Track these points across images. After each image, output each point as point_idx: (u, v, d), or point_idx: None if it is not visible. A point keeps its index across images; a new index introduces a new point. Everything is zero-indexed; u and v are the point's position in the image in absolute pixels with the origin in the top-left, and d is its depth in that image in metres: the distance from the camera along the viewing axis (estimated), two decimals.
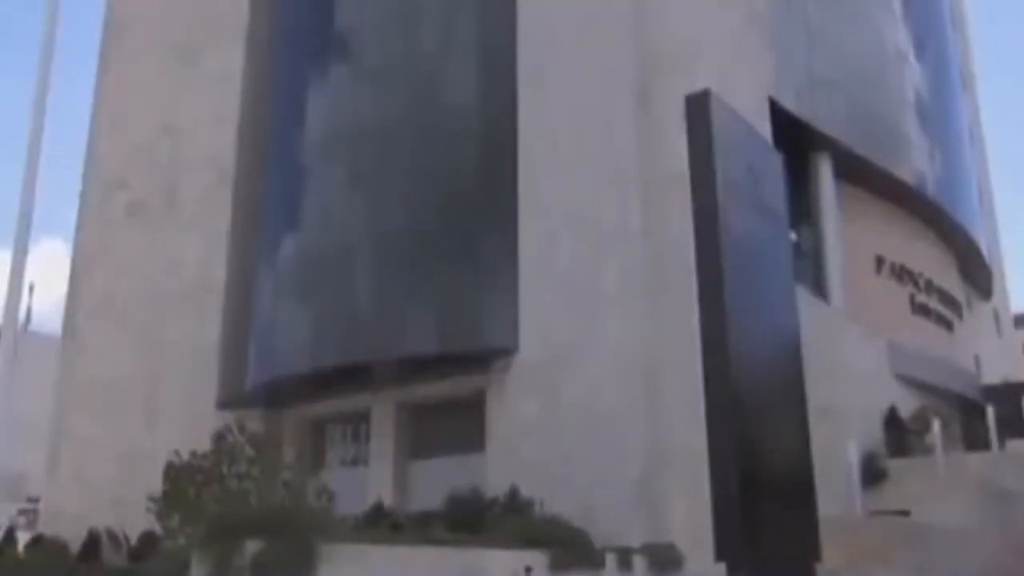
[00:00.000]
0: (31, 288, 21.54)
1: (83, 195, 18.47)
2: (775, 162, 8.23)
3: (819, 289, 15.36)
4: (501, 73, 13.67)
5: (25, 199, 11.41)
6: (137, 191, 17.65)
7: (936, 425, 13.76)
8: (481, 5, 14.16)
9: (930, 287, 18.05)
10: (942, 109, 20.26)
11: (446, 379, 13.61)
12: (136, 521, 9.71)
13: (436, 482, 12.14)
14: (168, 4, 18.18)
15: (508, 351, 12.78)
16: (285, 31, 16.56)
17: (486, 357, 13.03)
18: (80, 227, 18.48)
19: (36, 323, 24.27)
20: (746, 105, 12.62)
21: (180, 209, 17.21)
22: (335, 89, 15.35)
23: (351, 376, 13.98)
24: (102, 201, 18.03)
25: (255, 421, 13.03)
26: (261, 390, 14.84)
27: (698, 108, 6.74)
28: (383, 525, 9.48)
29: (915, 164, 18.21)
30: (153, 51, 18.05)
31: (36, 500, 20.03)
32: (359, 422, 14.89)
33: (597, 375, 11.84)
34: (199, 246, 16.81)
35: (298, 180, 15.70)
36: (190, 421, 13.57)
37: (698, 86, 11.40)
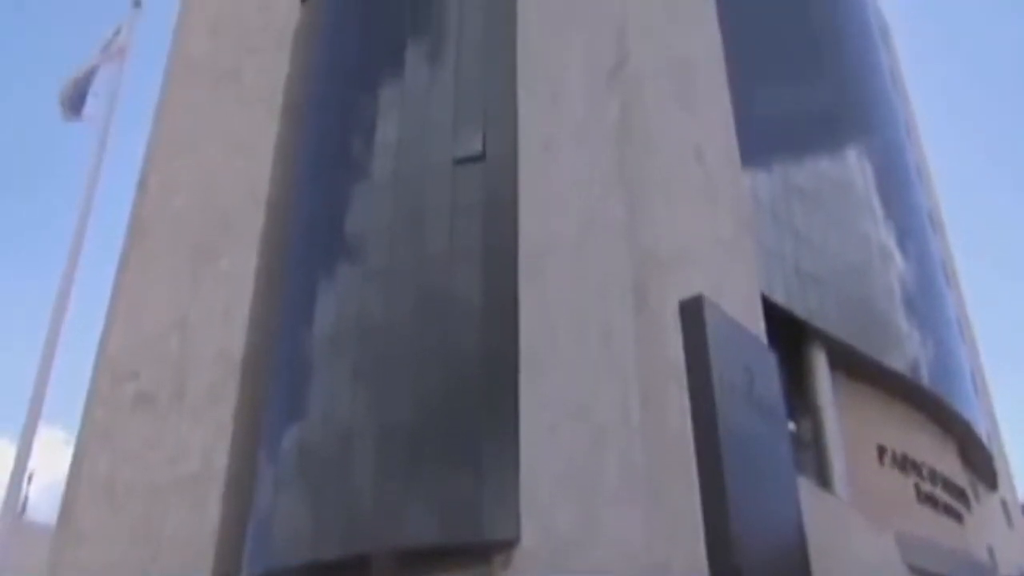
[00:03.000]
0: (30, 477, 21.47)
1: (91, 385, 18.78)
2: (770, 362, 8.62)
3: (822, 480, 15.29)
4: (503, 273, 14.35)
5: (36, 395, 11.64)
6: (145, 383, 17.97)
7: None
8: (484, 212, 15.08)
9: (935, 476, 17.93)
10: (929, 300, 20.94)
11: (447, 571, 13.29)
12: None
13: None
14: (189, 208, 19.26)
15: (509, 543, 12.58)
16: (297, 234, 17.51)
17: (487, 549, 12.83)
18: (86, 416, 18.58)
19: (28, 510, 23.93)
20: (739, 301, 13.30)
21: (187, 402, 17.43)
22: (343, 288, 16.08)
23: (350, 568, 13.69)
24: (110, 391, 18.29)
25: None
26: None
27: (692, 313, 7.19)
28: None
29: (908, 354, 18.62)
30: (172, 251, 18.94)
31: None
32: None
33: (599, 569, 11.62)
34: (204, 437, 16.88)
35: (303, 373, 16.07)
36: None
37: (693, 286, 12.05)
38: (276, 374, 16.63)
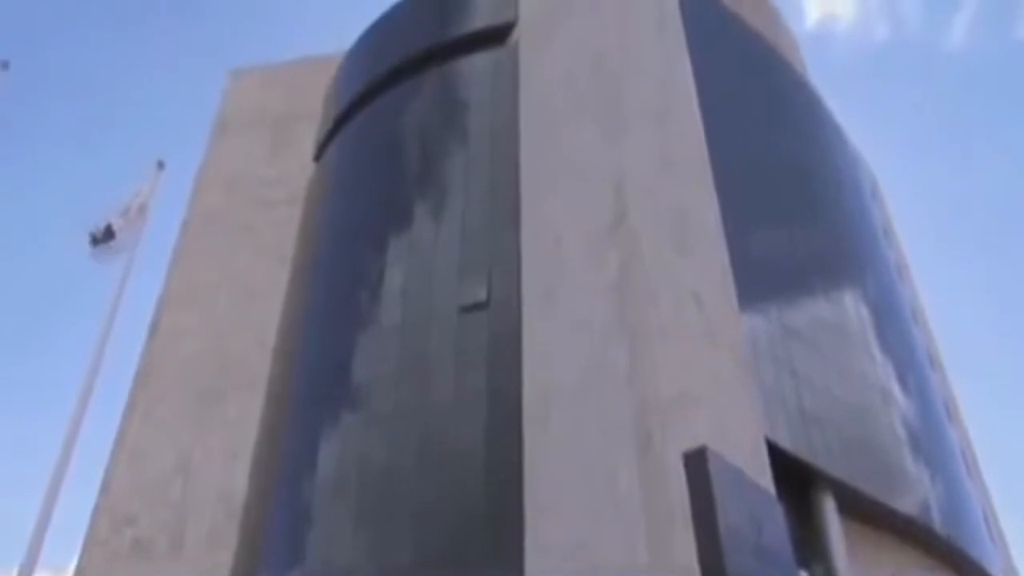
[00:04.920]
0: None
1: (90, 529, 18.56)
2: (777, 512, 8.63)
3: None
4: (507, 418, 14.46)
5: (35, 538, 11.61)
6: (144, 528, 17.76)
7: None
8: (488, 358, 15.35)
9: None
10: (934, 439, 20.86)
11: None
12: None
13: None
14: (198, 354, 19.62)
15: None
16: (303, 379, 17.76)
17: None
18: (82, 559, 18.30)
19: None
20: (744, 445, 13.36)
21: (186, 549, 17.19)
22: (346, 433, 16.15)
23: None
24: (108, 535, 18.07)
25: None
26: None
27: (696, 465, 7.30)
28: None
29: (917, 496, 18.39)
30: (178, 395, 19.16)
31: None
32: None
33: None
34: None
35: (304, 517, 15.91)
36: None
37: (696, 429, 12.17)
38: (276, 518, 16.46)
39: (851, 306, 20.16)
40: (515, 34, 20.04)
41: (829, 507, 16.28)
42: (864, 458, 17.49)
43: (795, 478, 15.07)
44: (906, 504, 17.60)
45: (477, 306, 15.72)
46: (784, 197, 20.34)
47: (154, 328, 20.55)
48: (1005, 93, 70.96)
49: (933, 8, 79.06)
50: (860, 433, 17.82)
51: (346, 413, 16.40)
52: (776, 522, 8.31)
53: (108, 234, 14.42)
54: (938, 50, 79.14)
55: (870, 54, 79.13)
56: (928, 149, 73.60)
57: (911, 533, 17.41)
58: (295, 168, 22.29)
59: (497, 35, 20.31)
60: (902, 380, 20.22)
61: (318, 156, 22.65)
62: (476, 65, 19.85)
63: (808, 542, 15.30)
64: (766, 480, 13.08)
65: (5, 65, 14.43)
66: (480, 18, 20.97)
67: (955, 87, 74.28)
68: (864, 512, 16.80)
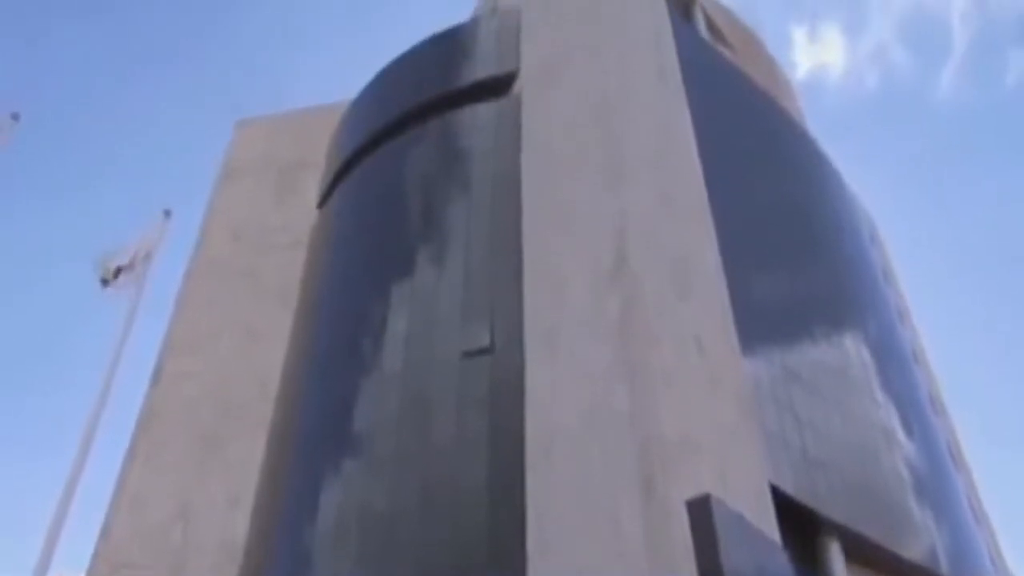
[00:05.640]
0: None
1: (89, 574, 18.43)
2: (781, 558, 8.63)
3: None
4: (509, 462, 14.41)
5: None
6: (143, 572, 17.63)
7: None
8: (491, 402, 15.39)
9: None
10: (939, 483, 20.75)
11: None
12: None
13: None
14: (200, 398, 19.65)
15: None
16: (305, 423, 17.77)
17: None
18: None
19: None
20: (747, 490, 13.33)
21: None
22: (348, 477, 16.10)
23: None
24: None
25: None
26: None
27: (700, 512, 7.33)
28: None
29: (923, 541, 18.24)
30: (179, 440, 19.14)
31: None
32: None
33: None
34: None
35: (305, 561, 15.79)
36: None
37: (699, 474, 12.14)
38: (277, 563, 16.31)
39: (852, 348, 20.21)
40: (518, 84, 20.42)
41: (835, 553, 16.14)
42: (869, 503, 17.39)
43: (800, 523, 14.98)
44: (912, 550, 17.45)
45: (480, 351, 15.79)
46: (784, 241, 20.53)
47: (157, 373, 20.60)
48: (995, 140, 72.16)
49: (921, 56, 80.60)
50: (864, 477, 17.75)
51: (348, 458, 16.39)
52: (781, 569, 8.30)
53: (116, 275, 14.65)
54: (929, 97, 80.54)
55: (862, 102, 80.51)
56: (922, 195, 74.56)
57: None
58: (300, 214, 22.55)
59: (500, 85, 20.69)
60: (905, 423, 20.19)
61: (321, 203, 22.92)
62: (479, 114, 20.19)
63: None
64: (770, 526, 13.02)
65: (16, 116, 14.74)
66: (483, 68, 21.37)
67: (947, 134, 75.52)
68: (870, 558, 16.64)
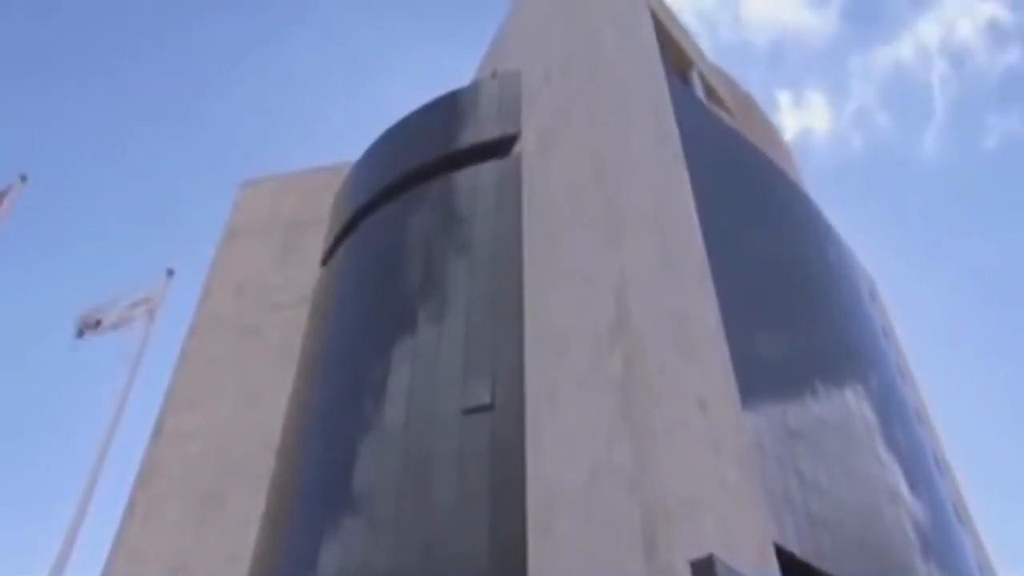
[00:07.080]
0: None
1: None
2: None
3: None
4: (510, 521, 14.34)
5: None
6: None
7: None
8: (492, 460, 15.37)
9: None
10: (945, 542, 20.57)
11: None
12: None
13: None
14: (201, 455, 19.61)
15: None
16: (306, 481, 17.71)
17: None
18: None
19: None
20: (751, 551, 13.21)
21: None
22: (348, 535, 15.95)
23: None
24: None
25: None
26: None
27: (704, 573, 7.32)
28: None
29: None
30: (179, 497, 19.03)
31: None
32: None
33: None
34: None
35: None
36: None
37: (702, 534, 12.05)
38: None
39: (854, 406, 20.22)
40: (519, 145, 20.81)
41: None
42: (874, 562, 17.22)
43: None
44: None
45: (481, 408, 15.82)
46: (784, 298, 20.68)
47: (158, 430, 20.57)
48: (979, 200, 73.30)
49: (904, 119, 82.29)
50: (869, 536, 17.60)
51: (348, 516, 16.28)
52: None
53: (95, 326, 14.77)
54: (912, 159, 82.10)
55: (847, 164, 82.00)
56: (909, 254, 75.34)
57: None
58: (302, 273, 22.76)
59: (501, 147, 21.11)
60: (909, 481, 20.08)
61: (325, 261, 23.15)
62: (481, 175, 20.55)
63: None
64: None
65: (23, 178, 15.00)
66: (484, 131, 21.82)
67: (932, 194, 76.72)
68: None
